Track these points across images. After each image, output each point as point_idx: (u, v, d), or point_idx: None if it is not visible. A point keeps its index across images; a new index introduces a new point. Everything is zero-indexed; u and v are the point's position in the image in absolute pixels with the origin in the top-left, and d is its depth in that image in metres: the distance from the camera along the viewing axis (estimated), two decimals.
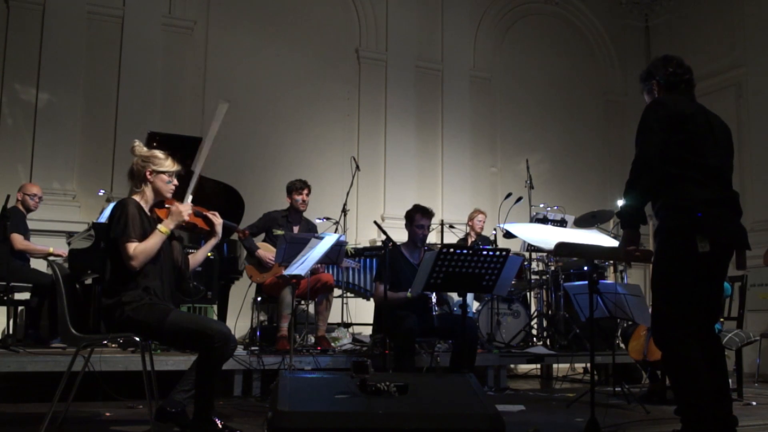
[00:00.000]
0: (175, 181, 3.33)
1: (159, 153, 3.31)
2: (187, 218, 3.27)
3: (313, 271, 5.25)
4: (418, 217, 5.09)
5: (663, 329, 3.04)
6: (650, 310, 4.55)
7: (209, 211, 3.43)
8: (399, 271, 4.97)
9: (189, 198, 3.37)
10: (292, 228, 5.68)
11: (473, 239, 7.05)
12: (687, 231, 2.97)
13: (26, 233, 5.71)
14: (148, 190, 3.28)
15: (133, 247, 3.09)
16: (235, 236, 5.52)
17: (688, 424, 2.93)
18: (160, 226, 3.19)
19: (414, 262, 5.06)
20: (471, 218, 7.19)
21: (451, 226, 7.54)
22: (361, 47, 8.37)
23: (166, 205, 3.32)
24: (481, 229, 7.12)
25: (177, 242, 3.44)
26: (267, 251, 5.53)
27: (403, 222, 5.25)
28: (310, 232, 5.65)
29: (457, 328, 4.70)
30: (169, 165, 3.29)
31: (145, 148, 3.32)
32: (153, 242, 3.14)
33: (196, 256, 3.55)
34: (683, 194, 3.01)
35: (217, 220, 3.43)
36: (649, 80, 3.28)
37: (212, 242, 3.46)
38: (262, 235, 5.78)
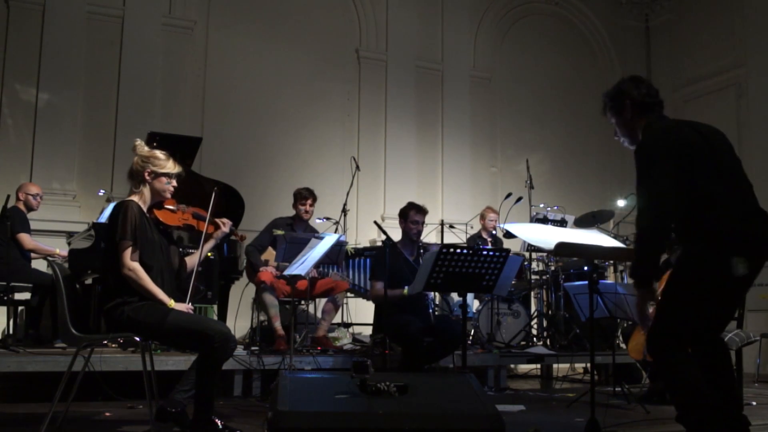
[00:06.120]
0: (174, 183, 3.30)
1: (160, 154, 3.25)
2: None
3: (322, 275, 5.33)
4: (412, 213, 5.17)
5: (661, 346, 2.80)
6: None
7: (220, 219, 3.53)
8: (398, 269, 4.98)
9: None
10: None
11: (488, 239, 6.97)
12: (722, 254, 2.72)
13: (30, 233, 5.71)
14: (147, 191, 3.24)
15: (131, 257, 3.07)
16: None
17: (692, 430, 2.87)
18: (168, 300, 3.15)
19: (410, 258, 5.08)
20: (483, 216, 7.09)
21: (451, 226, 7.52)
22: (361, 47, 8.36)
23: (165, 206, 3.30)
24: (493, 228, 7.06)
25: (175, 246, 3.43)
26: (272, 257, 5.47)
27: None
28: None
29: (456, 329, 4.73)
30: (170, 167, 3.25)
31: (146, 148, 3.27)
32: (150, 287, 3.10)
33: (193, 258, 3.56)
34: (710, 215, 2.78)
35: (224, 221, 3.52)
36: (621, 98, 3.02)
37: (210, 244, 3.53)
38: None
